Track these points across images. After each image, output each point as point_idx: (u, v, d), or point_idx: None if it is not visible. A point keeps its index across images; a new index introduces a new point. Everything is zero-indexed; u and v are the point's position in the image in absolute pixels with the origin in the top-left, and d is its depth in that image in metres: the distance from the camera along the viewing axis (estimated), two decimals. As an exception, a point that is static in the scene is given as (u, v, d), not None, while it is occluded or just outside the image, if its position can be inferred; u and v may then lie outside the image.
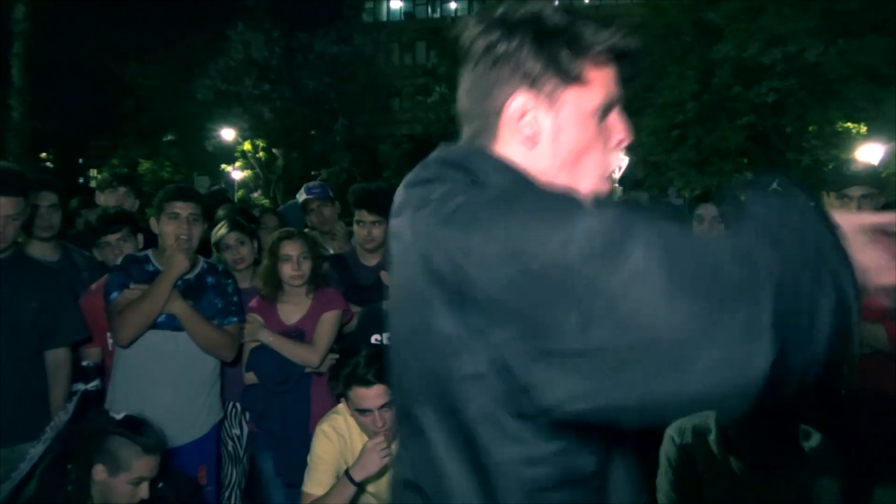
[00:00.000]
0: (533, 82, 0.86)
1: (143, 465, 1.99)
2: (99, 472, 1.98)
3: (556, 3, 0.88)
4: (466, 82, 0.92)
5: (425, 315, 0.80)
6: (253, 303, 2.92)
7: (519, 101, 0.87)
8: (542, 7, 0.86)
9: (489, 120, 0.89)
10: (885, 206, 3.01)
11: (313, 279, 2.86)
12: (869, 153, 12.40)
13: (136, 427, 2.03)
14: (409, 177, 0.91)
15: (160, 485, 2.08)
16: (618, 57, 0.89)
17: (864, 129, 15.73)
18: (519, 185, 0.83)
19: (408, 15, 32.97)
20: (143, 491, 2.00)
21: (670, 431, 2.25)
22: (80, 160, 36.84)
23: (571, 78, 0.86)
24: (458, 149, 0.91)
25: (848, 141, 15.48)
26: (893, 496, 2.35)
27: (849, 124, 16.26)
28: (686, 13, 17.89)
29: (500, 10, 0.88)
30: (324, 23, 25.08)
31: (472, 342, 0.76)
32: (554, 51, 0.85)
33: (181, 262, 2.56)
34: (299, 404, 2.77)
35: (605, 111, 0.89)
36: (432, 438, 0.84)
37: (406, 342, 0.88)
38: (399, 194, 0.90)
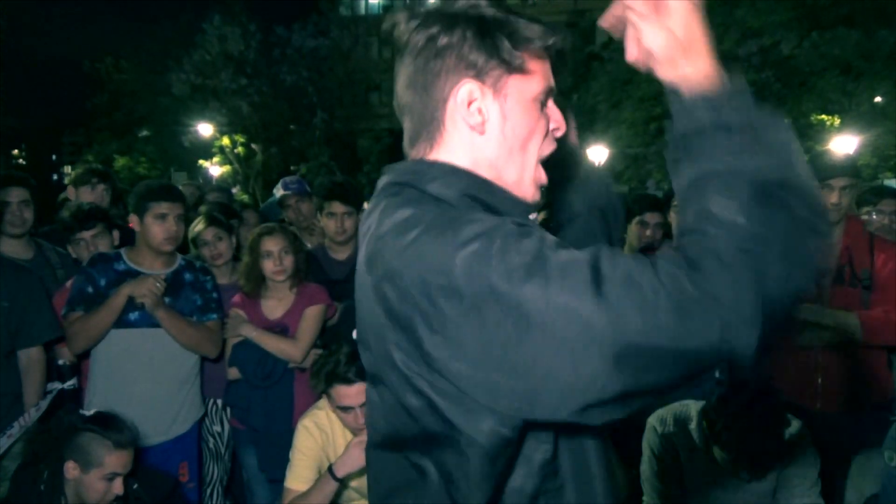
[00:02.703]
0: (478, 72, 0.89)
1: (115, 460, 1.96)
2: (70, 469, 1.96)
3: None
4: (404, 75, 0.93)
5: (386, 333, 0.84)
6: (236, 298, 2.89)
7: (466, 89, 0.89)
8: (478, 2, 0.90)
9: (434, 111, 0.91)
10: (858, 197, 3.08)
11: (296, 274, 2.84)
12: (842, 145, 12.62)
13: (106, 422, 2.01)
14: (370, 202, 0.94)
15: (135, 486, 2.05)
16: (551, 52, 0.93)
17: (837, 121, 16.00)
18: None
19: (386, 9, 32.79)
20: (118, 487, 1.97)
21: (652, 421, 2.27)
22: (53, 157, 36.19)
23: (514, 67, 0.89)
24: (403, 168, 0.94)
25: (822, 133, 15.73)
26: (868, 481, 2.40)
27: (823, 117, 16.53)
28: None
29: (434, 5, 0.91)
30: (301, 16, 24.86)
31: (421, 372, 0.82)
32: (496, 42, 0.88)
33: (140, 288, 2.51)
34: (282, 399, 2.75)
35: (544, 99, 0.93)
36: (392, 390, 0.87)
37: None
38: (364, 219, 0.94)
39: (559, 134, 0.96)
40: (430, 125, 0.92)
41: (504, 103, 0.90)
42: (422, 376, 0.80)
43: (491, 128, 0.90)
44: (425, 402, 0.81)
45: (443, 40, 0.88)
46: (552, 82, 0.93)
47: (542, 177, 0.95)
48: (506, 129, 0.90)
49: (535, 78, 0.91)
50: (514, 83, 0.90)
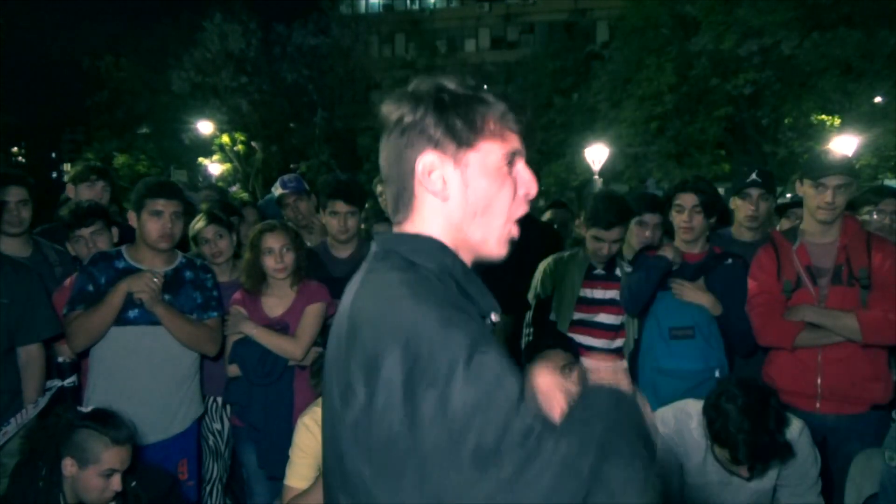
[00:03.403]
0: (436, 144, 0.98)
1: (112, 456, 1.96)
2: (68, 465, 1.96)
3: (461, 77, 1.01)
4: (384, 151, 1.03)
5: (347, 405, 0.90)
6: (237, 296, 2.89)
7: (427, 160, 0.98)
8: (446, 80, 1.00)
9: (406, 181, 1.01)
10: (856, 198, 3.07)
11: (297, 271, 2.84)
12: (842, 145, 12.61)
13: (103, 419, 2.01)
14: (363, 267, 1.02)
15: (133, 483, 2.05)
16: (513, 124, 1.01)
17: (837, 121, 16.00)
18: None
19: (386, 7, 32.78)
20: (115, 483, 1.97)
21: (652, 419, 2.27)
22: (53, 154, 36.15)
23: (467, 145, 0.98)
24: (387, 240, 1.03)
25: (822, 133, 15.73)
26: (868, 481, 2.40)
27: (823, 117, 16.52)
28: (664, 5, 18.02)
29: (412, 86, 1.02)
30: (301, 14, 24.83)
31: None
32: (450, 122, 0.97)
33: (137, 284, 2.51)
34: (282, 397, 2.75)
35: (510, 163, 1.01)
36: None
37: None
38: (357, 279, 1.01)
39: (531, 196, 1.04)
40: (404, 195, 1.02)
41: (465, 171, 0.98)
42: None
43: (453, 194, 0.99)
44: None
45: (408, 118, 0.99)
46: (517, 146, 1.01)
47: (514, 231, 1.03)
48: (468, 194, 0.99)
49: (494, 149, 0.99)
50: (472, 155, 0.98)
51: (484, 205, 0.99)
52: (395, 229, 1.04)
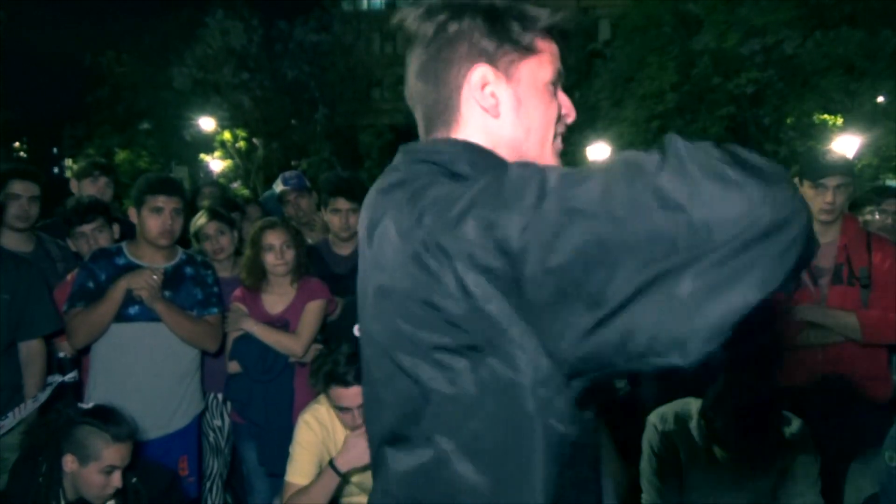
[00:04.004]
0: (489, 57, 0.91)
1: (113, 453, 1.96)
2: (69, 462, 1.96)
3: None
4: (416, 66, 0.95)
5: (425, 319, 0.78)
6: (237, 293, 2.89)
7: (479, 73, 0.90)
8: None
9: (449, 98, 0.93)
10: (858, 197, 3.07)
11: (297, 268, 2.84)
12: (844, 145, 12.60)
13: (104, 416, 2.01)
14: (378, 183, 0.92)
15: (133, 479, 2.05)
16: (558, 35, 0.95)
17: (839, 120, 15.97)
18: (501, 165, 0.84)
19: (389, 4, 32.73)
20: (116, 480, 1.97)
21: (652, 419, 2.27)
22: (55, 150, 36.14)
23: (525, 49, 0.91)
24: (424, 145, 0.94)
25: (824, 132, 15.71)
26: (867, 480, 2.40)
27: (825, 116, 16.50)
28: (666, 4, 17.99)
29: None
30: (303, 11, 24.78)
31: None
32: (506, 26, 0.90)
33: (137, 281, 2.51)
34: (283, 394, 2.76)
35: (555, 84, 0.95)
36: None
37: (391, 354, 0.85)
38: (373, 201, 0.91)
39: (570, 120, 0.98)
40: (446, 112, 0.93)
41: (517, 87, 0.92)
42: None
43: (505, 110, 0.92)
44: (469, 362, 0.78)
45: (452, 28, 0.90)
46: (560, 66, 0.95)
47: (559, 145, 0.97)
48: (520, 112, 0.92)
49: (546, 61, 0.93)
50: (525, 68, 0.92)
51: (537, 125, 0.93)
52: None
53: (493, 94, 0.91)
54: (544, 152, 0.95)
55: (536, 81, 0.93)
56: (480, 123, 0.92)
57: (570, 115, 0.98)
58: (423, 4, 0.93)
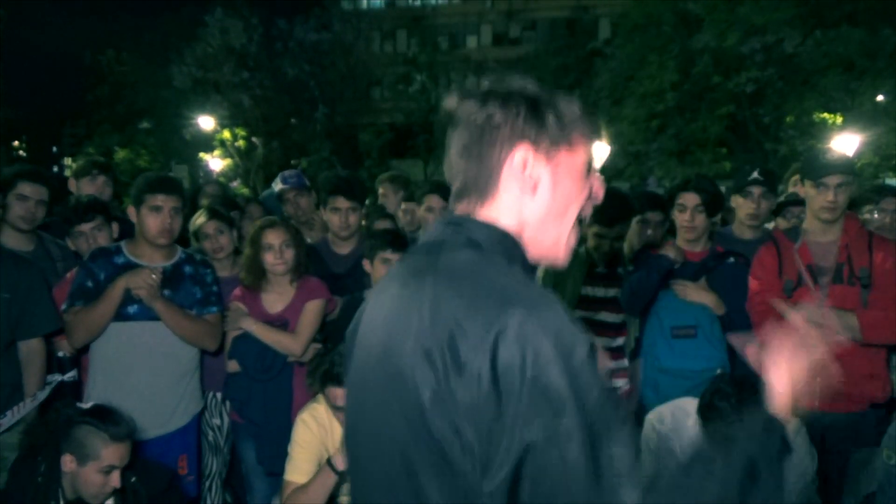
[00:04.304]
0: (531, 140, 0.99)
1: (111, 453, 1.97)
2: (67, 462, 1.96)
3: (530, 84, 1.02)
4: (459, 145, 1.02)
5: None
6: (237, 292, 2.89)
7: (520, 155, 0.98)
8: (526, 83, 1.01)
9: (490, 175, 1.00)
10: (857, 197, 3.07)
11: (296, 268, 2.84)
12: (844, 143, 12.59)
13: (102, 415, 2.01)
14: (433, 234, 1.03)
15: (133, 479, 2.05)
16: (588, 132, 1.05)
17: (839, 119, 15.96)
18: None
19: (388, 3, 32.70)
20: (115, 480, 1.97)
21: (651, 418, 2.27)
22: (54, 149, 36.12)
23: (562, 141, 1.00)
24: (466, 222, 1.01)
25: (824, 131, 15.70)
26: (866, 479, 2.40)
27: (825, 115, 16.49)
28: (666, 3, 17.97)
29: (486, 85, 1.01)
30: (303, 10, 24.76)
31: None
32: (545, 119, 0.99)
33: (135, 280, 2.51)
34: (282, 393, 2.76)
35: (588, 169, 1.04)
36: None
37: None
38: (423, 256, 0.99)
39: (597, 200, 1.07)
40: (485, 187, 1.00)
41: (555, 170, 1.00)
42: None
43: (542, 191, 1.00)
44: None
45: (498, 117, 0.98)
46: (591, 154, 1.04)
47: (573, 240, 1.05)
48: (556, 193, 1.00)
49: (581, 151, 1.02)
50: (563, 154, 1.00)
51: (567, 205, 1.02)
52: (461, 210, 1.03)
53: (531, 176, 0.99)
54: (559, 241, 1.03)
55: (573, 166, 1.01)
56: (514, 202, 1.00)
57: (598, 196, 1.06)
58: (467, 91, 1.02)
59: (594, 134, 1.05)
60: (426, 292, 0.91)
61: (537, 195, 0.99)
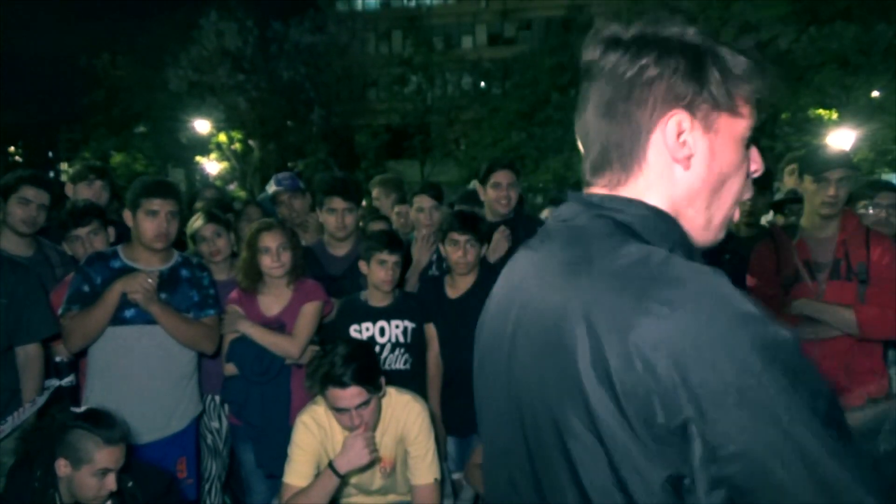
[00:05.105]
0: (688, 104, 0.84)
1: (105, 456, 1.97)
2: (62, 466, 1.96)
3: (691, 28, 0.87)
4: (598, 101, 0.88)
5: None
6: (233, 294, 2.89)
7: (675, 120, 0.84)
8: (686, 29, 0.85)
9: (635, 141, 0.86)
10: (852, 192, 3.07)
11: (293, 270, 2.83)
12: (840, 139, 12.62)
13: (95, 419, 2.01)
14: (562, 214, 0.90)
15: (130, 483, 2.05)
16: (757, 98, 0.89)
17: (835, 115, 16.00)
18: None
19: (383, 4, 32.70)
20: (110, 483, 1.97)
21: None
22: (50, 153, 36.07)
23: (725, 105, 0.85)
24: (608, 201, 0.87)
25: (820, 127, 15.73)
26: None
27: (820, 111, 16.52)
28: (660, 0, 17.99)
29: (636, 30, 0.86)
30: (298, 11, 24.76)
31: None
32: (708, 77, 0.84)
33: (131, 285, 2.51)
34: (280, 395, 2.75)
35: (749, 140, 0.89)
36: None
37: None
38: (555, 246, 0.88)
39: (757, 175, 0.92)
40: (628, 155, 0.87)
41: (714, 139, 0.85)
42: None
43: (697, 163, 0.85)
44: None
45: (652, 70, 0.84)
46: (756, 122, 0.89)
47: (735, 215, 0.91)
48: (713, 165, 0.86)
49: (744, 117, 0.87)
50: (724, 120, 0.85)
51: (724, 180, 0.87)
52: (600, 185, 0.89)
53: (686, 144, 0.85)
54: (712, 220, 0.88)
55: (733, 135, 0.86)
56: (665, 175, 0.86)
57: (759, 171, 0.91)
58: (614, 38, 0.87)
59: (765, 94, 0.88)
60: (583, 294, 0.78)
61: (692, 168, 0.85)
